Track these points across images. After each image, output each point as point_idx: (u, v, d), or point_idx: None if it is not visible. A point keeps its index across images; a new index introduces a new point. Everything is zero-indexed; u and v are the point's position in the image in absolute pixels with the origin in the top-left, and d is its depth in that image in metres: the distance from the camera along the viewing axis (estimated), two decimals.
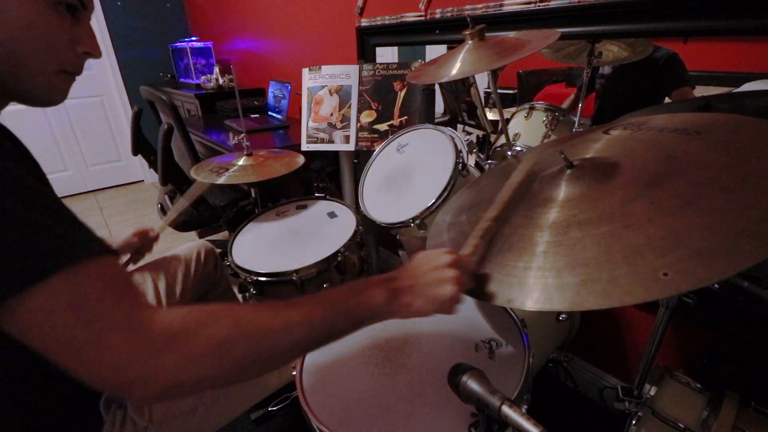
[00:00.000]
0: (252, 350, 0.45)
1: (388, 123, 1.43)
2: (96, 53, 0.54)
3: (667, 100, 1.09)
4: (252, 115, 2.35)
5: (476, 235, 0.57)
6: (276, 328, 0.46)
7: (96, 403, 0.63)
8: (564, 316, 0.97)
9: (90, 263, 0.41)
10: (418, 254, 0.56)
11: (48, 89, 0.51)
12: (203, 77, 2.83)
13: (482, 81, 1.44)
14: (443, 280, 0.51)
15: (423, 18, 1.39)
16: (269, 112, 2.36)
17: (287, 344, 0.47)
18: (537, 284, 0.46)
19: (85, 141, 3.31)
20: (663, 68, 1.08)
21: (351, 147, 1.50)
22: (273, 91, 2.32)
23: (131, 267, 1.02)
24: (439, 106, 1.57)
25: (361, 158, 1.59)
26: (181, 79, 3.26)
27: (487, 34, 0.86)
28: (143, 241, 1.02)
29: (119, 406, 0.65)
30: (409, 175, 1.04)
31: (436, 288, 0.52)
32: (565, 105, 1.28)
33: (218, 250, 1.18)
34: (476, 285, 0.53)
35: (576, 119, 1.12)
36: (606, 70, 1.23)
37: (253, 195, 1.50)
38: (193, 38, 3.09)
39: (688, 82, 1.05)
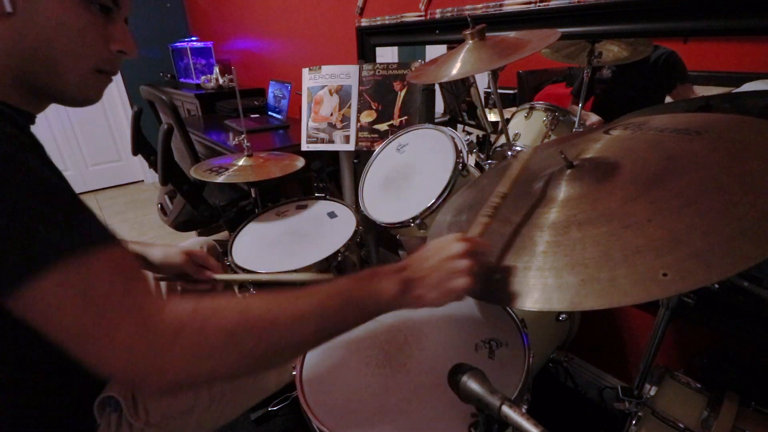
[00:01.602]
0: (262, 342, 0.44)
1: (388, 123, 1.43)
2: (131, 52, 0.54)
3: (668, 99, 1.09)
4: (252, 115, 2.35)
5: (486, 213, 0.56)
6: (286, 320, 0.46)
7: (90, 405, 0.61)
8: (564, 316, 0.97)
9: (99, 252, 0.41)
10: (431, 242, 0.55)
11: (82, 88, 0.52)
12: (203, 77, 2.82)
13: (482, 81, 1.44)
14: (457, 272, 0.51)
15: (423, 18, 1.39)
16: (269, 112, 2.36)
17: (297, 336, 0.47)
18: (537, 284, 0.46)
19: (85, 141, 3.31)
20: (662, 68, 1.08)
21: (351, 147, 1.50)
22: (273, 91, 2.32)
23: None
24: (439, 106, 1.57)
25: (361, 158, 1.59)
26: (181, 79, 3.26)
27: (487, 34, 0.86)
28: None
29: (114, 408, 0.63)
30: (409, 175, 1.04)
31: (450, 281, 0.51)
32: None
33: (219, 250, 1.18)
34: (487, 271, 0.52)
35: (576, 119, 1.12)
36: (605, 74, 1.23)
37: (253, 195, 1.50)
38: (193, 38, 3.09)
39: (688, 79, 1.05)
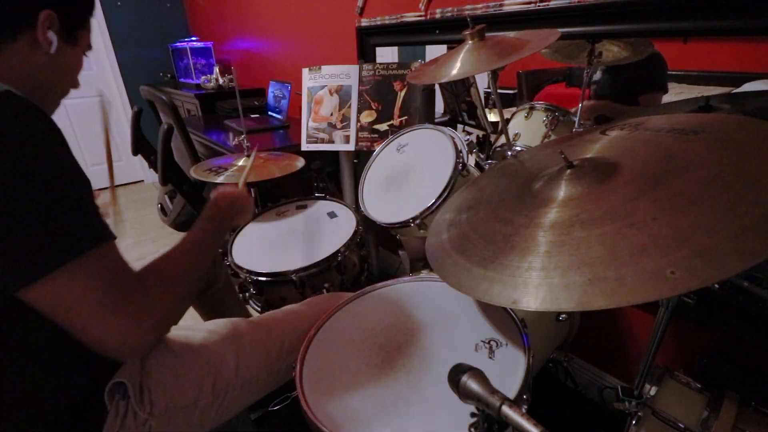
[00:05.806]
0: (190, 285, 0.67)
1: (388, 123, 1.43)
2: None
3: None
4: (252, 115, 2.35)
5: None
6: (193, 266, 0.69)
7: (101, 392, 0.63)
8: (564, 316, 0.97)
9: (99, 250, 0.52)
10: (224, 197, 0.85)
11: (55, 106, 0.66)
12: (203, 77, 2.82)
13: (482, 81, 1.44)
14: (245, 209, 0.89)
15: (423, 18, 1.39)
16: (269, 112, 2.36)
17: (201, 264, 0.71)
18: (543, 284, 0.45)
19: (85, 141, 3.30)
20: (640, 68, 1.08)
21: (351, 147, 1.50)
22: (273, 91, 2.32)
23: None
24: (439, 106, 1.57)
25: (361, 158, 1.59)
26: (181, 79, 3.26)
27: (486, 35, 0.86)
28: None
29: (122, 396, 0.65)
30: (409, 175, 1.04)
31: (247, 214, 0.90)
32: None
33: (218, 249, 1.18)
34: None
35: (576, 119, 1.12)
36: (597, 74, 1.22)
37: (253, 195, 1.50)
38: (193, 38, 3.09)
39: (661, 87, 1.04)
